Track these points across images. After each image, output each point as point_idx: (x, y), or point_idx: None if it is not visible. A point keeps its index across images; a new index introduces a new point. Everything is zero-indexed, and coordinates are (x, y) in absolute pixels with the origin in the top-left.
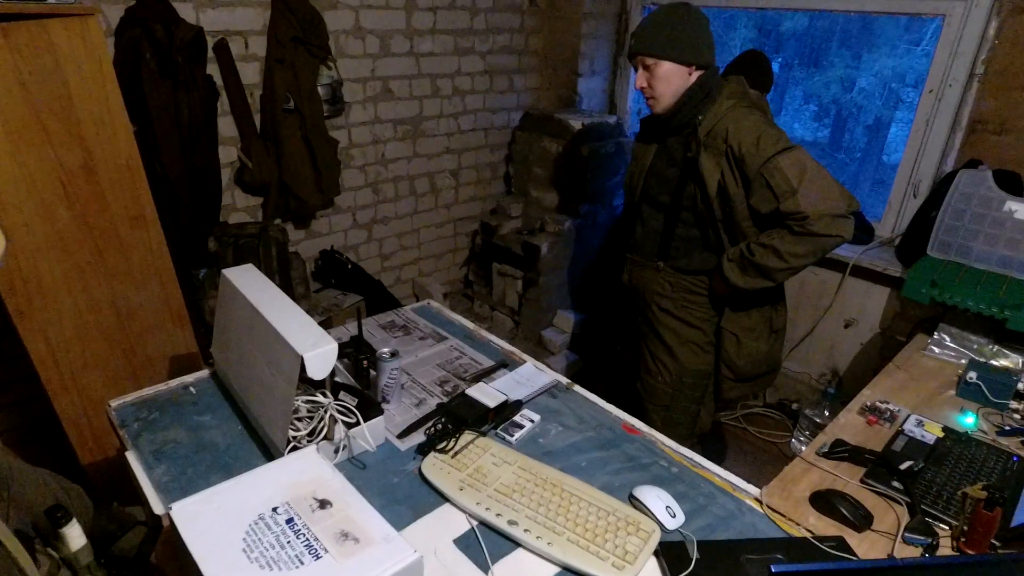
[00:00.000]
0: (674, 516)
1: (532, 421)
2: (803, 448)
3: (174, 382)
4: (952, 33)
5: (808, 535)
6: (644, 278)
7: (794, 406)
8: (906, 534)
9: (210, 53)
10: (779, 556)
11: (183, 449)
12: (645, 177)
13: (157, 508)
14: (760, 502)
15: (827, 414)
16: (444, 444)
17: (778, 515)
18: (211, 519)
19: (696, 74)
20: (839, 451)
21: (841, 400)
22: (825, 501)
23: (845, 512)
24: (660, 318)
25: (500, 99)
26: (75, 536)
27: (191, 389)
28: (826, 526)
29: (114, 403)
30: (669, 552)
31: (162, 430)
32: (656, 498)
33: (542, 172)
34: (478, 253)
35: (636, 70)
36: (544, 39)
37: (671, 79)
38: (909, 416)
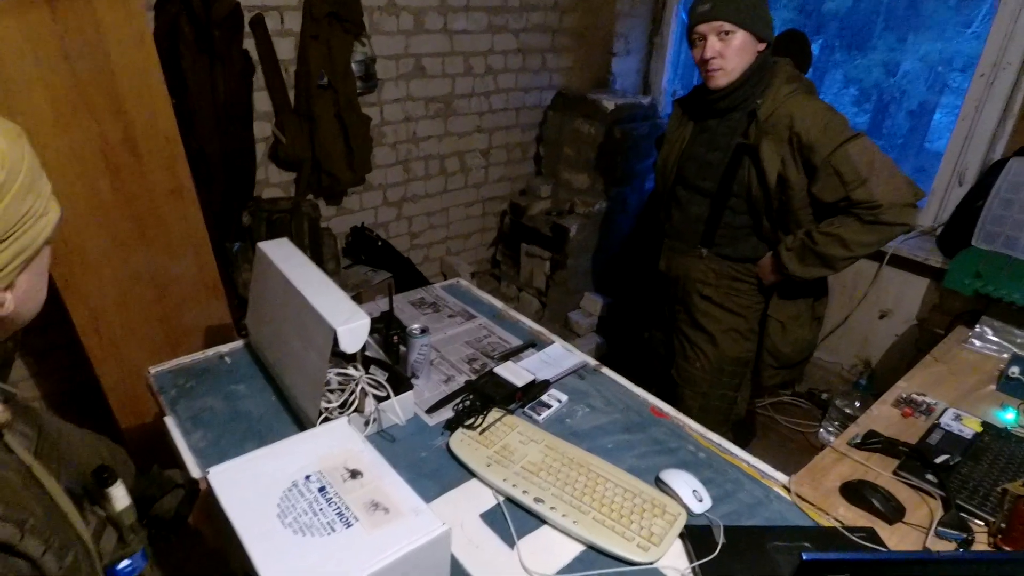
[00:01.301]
0: (701, 500)
1: (559, 401)
2: (831, 438)
3: (210, 351)
4: (1008, 13)
5: (838, 525)
6: (684, 265)
7: (823, 396)
8: (939, 528)
9: (246, 28)
10: (807, 545)
11: (218, 416)
12: (680, 160)
13: (194, 472)
14: (788, 490)
15: (858, 405)
16: (472, 421)
17: (807, 504)
18: (247, 484)
19: (761, 51)
20: (872, 442)
21: (873, 392)
22: (856, 492)
23: (876, 503)
24: (701, 306)
25: (532, 78)
26: (120, 496)
27: (226, 359)
28: (856, 517)
29: (153, 370)
30: (695, 536)
31: (199, 397)
32: (683, 482)
33: (573, 153)
34: (506, 233)
35: (697, 41)
36: (578, 17)
37: (745, 51)
38: (946, 410)
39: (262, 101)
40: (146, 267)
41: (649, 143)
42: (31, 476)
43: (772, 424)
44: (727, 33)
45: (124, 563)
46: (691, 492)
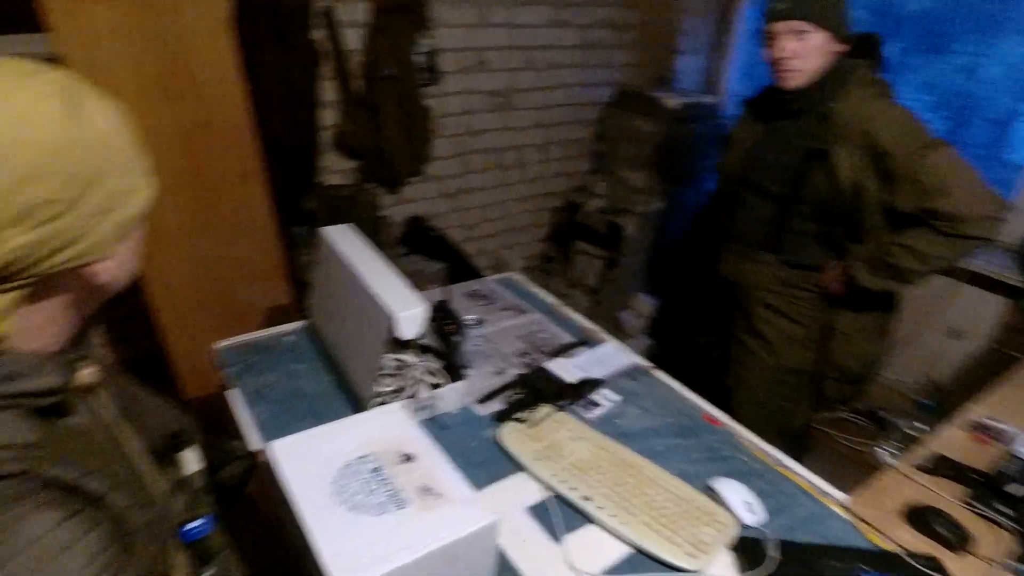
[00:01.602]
0: (753, 512)
1: (610, 401)
2: (890, 459)
3: (273, 330)
4: None
5: (899, 550)
6: (746, 270)
7: (883, 414)
8: (1010, 562)
9: (316, 18)
10: (864, 567)
11: (278, 393)
12: (747, 162)
13: (256, 444)
14: (847, 509)
15: (921, 427)
16: (522, 414)
17: (866, 525)
18: (305, 460)
19: (837, 52)
20: (940, 466)
21: (938, 414)
22: (920, 517)
23: (942, 531)
24: (761, 313)
25: (593, 74)
26: (191, 460)
27: (287, 338)
28: (919, 543)
29: (219, 344)
30: (745, 548)
31: (261, 373)
32: (735, 492)
33: (631, 151)
34: (560, 230)
35: (770, 39)
36: (644, 14)
37: (822, 52)
38: (1019, 436)
39: (328, 90)
40: (215, 246)
41: (711, 143)
42: (116, 435)
43: (826, 439)
44: (804, 33)
45: (193, 524)
46: (743, 503)
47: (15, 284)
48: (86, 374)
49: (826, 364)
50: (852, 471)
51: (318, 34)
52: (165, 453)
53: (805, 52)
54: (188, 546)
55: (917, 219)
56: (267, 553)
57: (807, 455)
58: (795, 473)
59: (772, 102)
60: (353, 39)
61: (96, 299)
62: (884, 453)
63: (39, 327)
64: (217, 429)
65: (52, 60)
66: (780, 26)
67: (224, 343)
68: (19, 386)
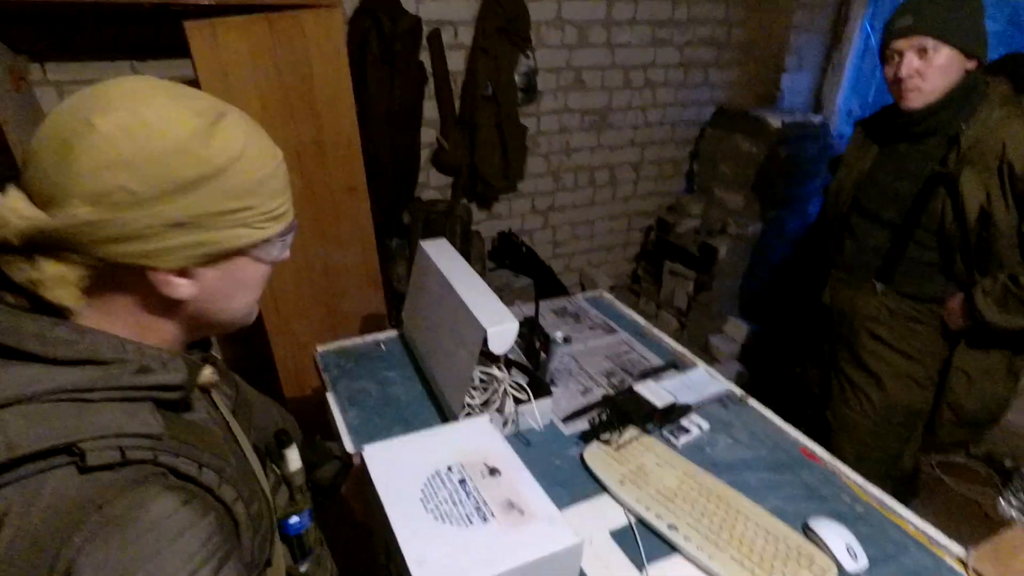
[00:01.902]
0: (855, 558)
1: (700, 428)
2: (1015, 512)
3: (368, 338)
4: None
5: None
6: (854, 300)
7: (1007, 462)
8: None
9: (423, 42)
10: None
11: (372, 399)
12: (859, 186)
13: (349, 447)
14: (964, 564)
15: None
16: (608, 436)
17: None
18: (396, 466)
19: (969, 69)
20: None
21: None
22: None
23: None
24: (870, 346)
25: (693, 93)
26: (294, 459)
27: (382, 346)
28: None
29: (319, 349)
30: None
31: (356, 379)
32: (836, 534)
33: (729, 171)
34: (650, 250)
35: (891, 57)
36: (749, 32)
37: (949, 70)
38: None
39: (430, 109)
40: (320, 256)
41: (817, 165)
42: (229, 431)
43: (938, 486)
44: (928, 50)
45: (294, 519)
46: (844, 547)
47: (78, 258)
48: (206, 373)
49: (943, 405)
50: (969, 523)
51: (424, 56)
52: (270, 450)
53: (929, 72)
54: (288, 539)
55: None
56: (356, 552)
57: (915, 501)
58: (904, 519)
59: (891, 124)
60: (457, 60)
61: (183, 317)
62: (1009, 506)
63: (115, 316)
64: (314, 430)
65: (190, 83)
66: (902, 43)
67: (323, 348)
68: (152, 379)
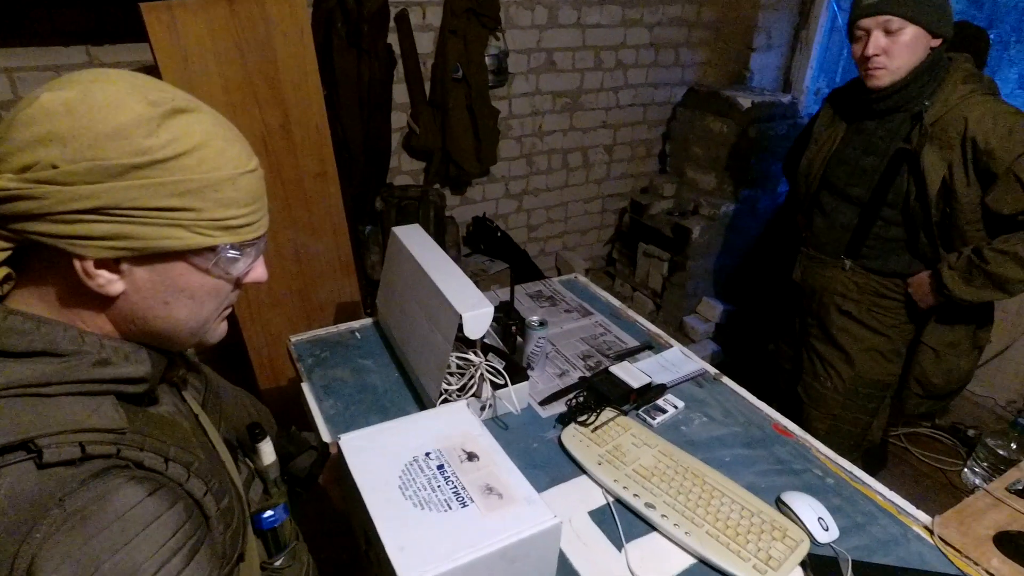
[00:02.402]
0: (827, 529)
1: (675, 407)
2: (978, 480)
3: (342, 326)
4: None
5: None
6: (824, 276)
7: (971, 432)
8: None
9: (391, 23)
10: None
11: (348, 388)
12: (828, 163)
13: (325, 436)
14: (930, 531)
15: (1014, 447)
16: (585, 417)
17: (952, 550)
18: (373, 454)
19: (934, 47)
20: None
21: None
22: (1013, 543)
23: None
24: (838, 321)
25: (664, 73)
26: (268, 452)
27: (356, 334)
28: (1012, 572)
29: (293, 339)
30: (819, 566)
31: (331, 368)
32: (808, 507)
33: (701, 152)
34: (625, 231)
35: (859, 36)
36: (718, 11)
37: (915, 48)
38: None
39: (400, 93)
40: (290, 243)
41: (786, 144)
42: (199, 425)
43: (905, 456)
44: (895, 28)
45: (268, 513)
46: (816, 519)
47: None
48: (172, 368)
49: (910, 379)
50: (934, 491)
51: (392, 38)
52: (243, 444)
53: (895, 49)
54: (262, 534)
55: (1017, 224)
56: (336, 541)
57: (884, 472)
58: (873, 491)
59: (858, 101)
60: (426, 42)
61: (118, 316)
62: (973, 474)
63: (50, 305)
64: (286, 420)
65: (149, 68)
66: (868, 22)
67: (297, 337)
68: (113, 372)
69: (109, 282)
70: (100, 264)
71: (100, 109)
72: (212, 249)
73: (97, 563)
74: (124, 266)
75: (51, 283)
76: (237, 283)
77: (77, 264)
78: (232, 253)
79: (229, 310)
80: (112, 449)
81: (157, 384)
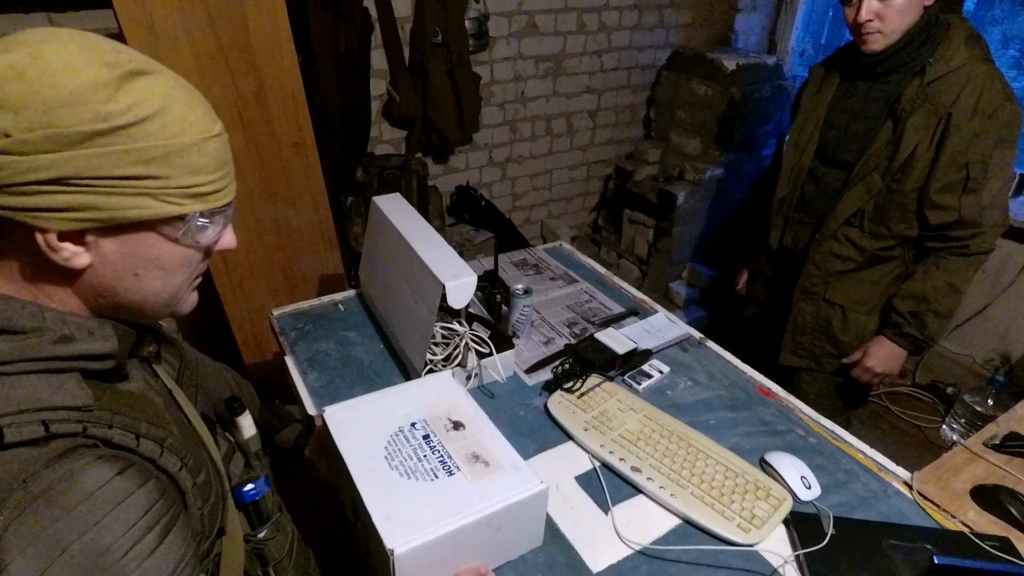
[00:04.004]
0: (809, 487)
1: (661, 372)
2: (955, 436)
3: (325, 299)
4: None
5: (965, 530)
6: (810, 240)
7: (949, 390)
8: None
9: None
10: (928, 547)
11: (332, 360)
12: (821, 131)
13: (310, 409)
14: (910, 487)
15: (991, 403)
16: (571, 384)
17: (930, 504)
18: (358, 425)
19: (927, 6)
20: (1014, 445)
21: (1011, 390)
22: (990, 496)
23: (1014, 511)
24: (828, 283)
25: (648, 36)
26: (247, 426)
27: (340, 307)
28: (988, 524)
29: (276, 312)
30: (801, 523)
31: (315, 341)
32: (791, 466)
33: (686, 116)
34: (610, 198)
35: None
36: None
37: (909, 9)
38: None
39: (378, 59)
40: (270, 216)
41: (772, 106)
42: (172, 400)
43: (886, 415)
44: None
45: (249, 486)
46: (799, 478)
47: None
48: (143, 344)
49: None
50: (913, 449)
51: (368, 1)
52: (222, 418)
53: (889, 13)
54: (244, 507)
55: (930, 234)
56: (324, 511)
57: (865, 431)
58: (855, 448)
59: (851, 63)
60: (404, 6)
61: (85, 289)
62: (950, 431)
63: (12, 281)
64: (272, 394)
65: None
66: None
67: (280, 311)
68: (75, 348)
69: (74, 255)
70: (64, 237)
71: (53, 73)
72: (181, 218)
73: (65, 544)
74: (89, 238)
75: (13, 257)
76: (207, 252)
77: (39, 237)
78: (202, 221)
79: (200, 279)
80: (77, 427)
81: (125, 360)
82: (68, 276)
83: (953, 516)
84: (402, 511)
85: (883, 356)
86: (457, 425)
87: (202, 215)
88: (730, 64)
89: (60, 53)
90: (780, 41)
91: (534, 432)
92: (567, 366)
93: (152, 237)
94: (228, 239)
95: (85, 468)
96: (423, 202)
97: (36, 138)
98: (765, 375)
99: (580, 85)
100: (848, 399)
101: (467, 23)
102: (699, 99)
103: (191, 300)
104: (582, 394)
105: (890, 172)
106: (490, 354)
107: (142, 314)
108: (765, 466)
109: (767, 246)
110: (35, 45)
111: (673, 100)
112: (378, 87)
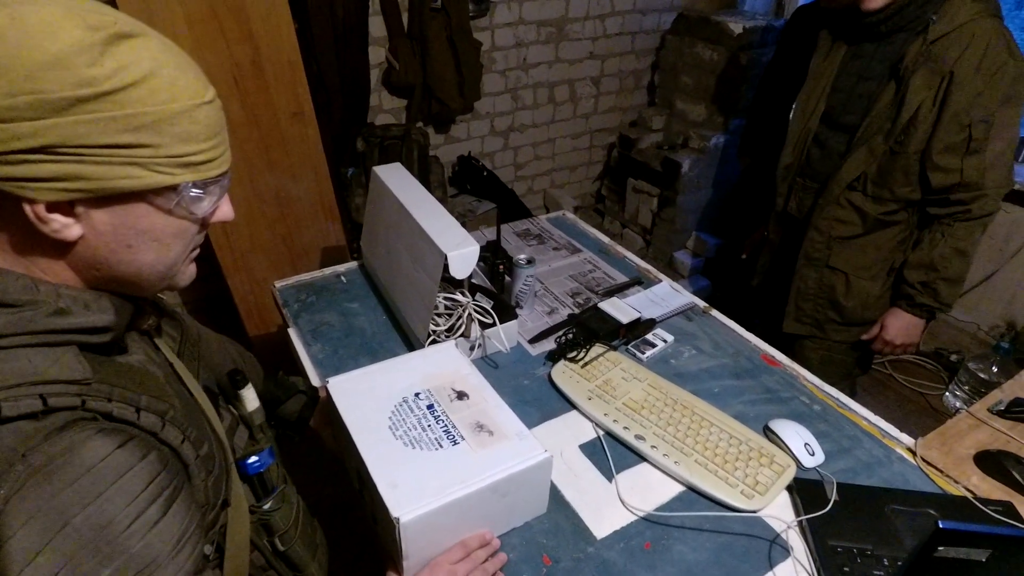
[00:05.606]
0: (812, 454)
1: (665, 341)
2: (959, 403)
3: (327, 270)
4: None
5: (969, 495)
6: (815, 205)
7: (953, 357)
8: None
9: None
10: (931, 512)
11: (335, 331)
12: (828, 96)
13: (314, 380)
14: (913, 453)
15: (995, 370)
16: (575, 354)
17: (934, 470)
18: (362, 396)
19: None
20: (1019, 410)
21: (1015, 356)
22: (994, 461)
23: (1018, 476)
24: (833, 250)
25: None
26: (251, 398)
27: (342, 278)
28: (991, 489)
29: (278, 284)
30: (804, 489)
31: (318, 312)
32: (794, 433)
33: (691, 82)
34: (613, 167)
35: None
36: None
37: None
38: None
39: (377, 26)
40: (270, 187)
41: None
42: (174, 373)
43: (889, 382)
44: None
45: (253, 458)
46: (803, 444)
47: None
48: (142, 316)
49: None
50: (916, 415)
51: None
52: (224, 390)
53: None
54: (249, 478)
55: (933, 199)
56: (331, 483)
57: (868, 398)
58: (858, 415)
59: (855, 25)
60: None
61: (79, 262)
62: (954, 398)
63: (5, 253)
64: (276, 365)
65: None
66: None
67: (283, 283)
68: (71, 321)
69: (64, 227)
70: (53, 208)
71: (34, 35)
72: (173, 188)
73: (67, 517)
74: (80, 209)
75: (3, 230)
76: (203, 223)
77: (28, 208)
78: (195, 192)
79: (197, 251)
80: (76, 401)
81: (123, 333)
82: (60, 248)
83: (956, 481)
84: (407, 480)
85: (901, 327)
86: (461, 395)
87: (195, 186)
88: (736, 27)
89: (41, 14)
90: (788, 3)
91: (538, 401)
92: (571, 336)
93: (144, 208)
94: (225, 211)
95: (85, 441)
96: (424, 172)
97: (19, 104)
98: (769, 344)
99: (583, 51)
100: (852, 366)
101: None
102: (704, 64)
103: (189, 272)
104: (586, 364)
105: (893, 134)
106: (493, 324)
107: (138, 287)
108: (769, 433)
109: (774, 214)
110: (14, 6)
111: (678, 65)
112: (377, 55)
